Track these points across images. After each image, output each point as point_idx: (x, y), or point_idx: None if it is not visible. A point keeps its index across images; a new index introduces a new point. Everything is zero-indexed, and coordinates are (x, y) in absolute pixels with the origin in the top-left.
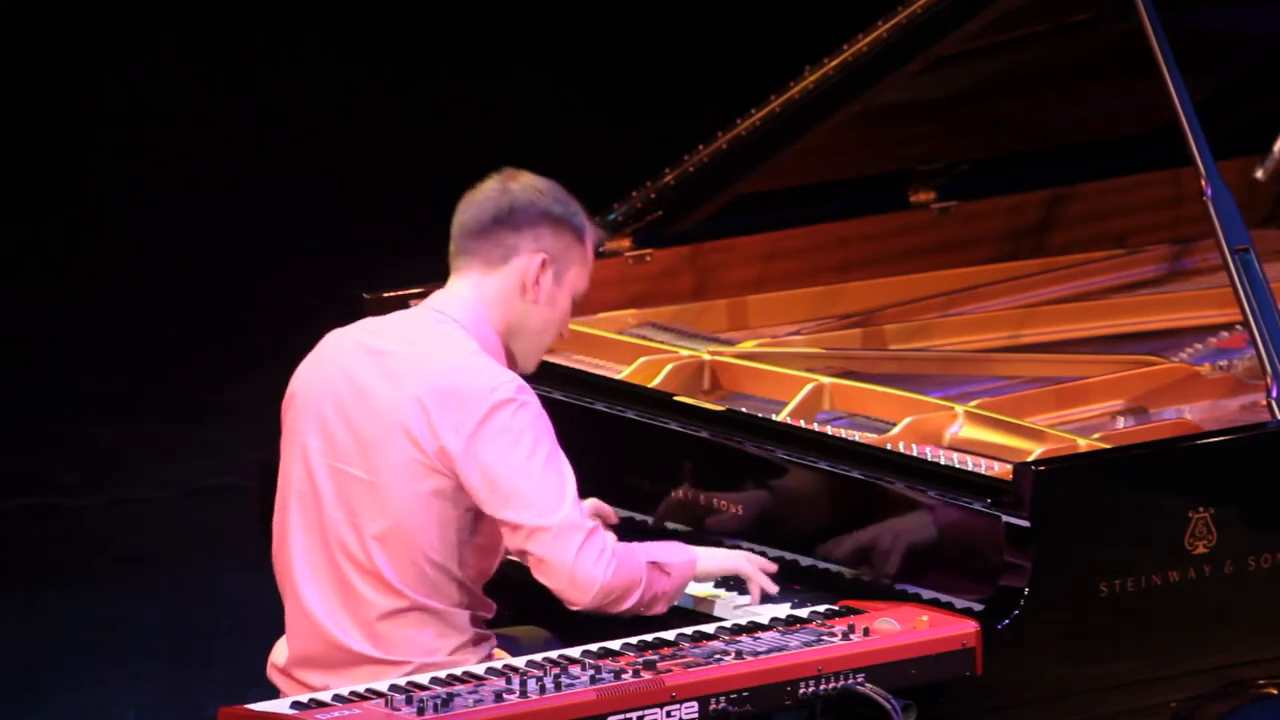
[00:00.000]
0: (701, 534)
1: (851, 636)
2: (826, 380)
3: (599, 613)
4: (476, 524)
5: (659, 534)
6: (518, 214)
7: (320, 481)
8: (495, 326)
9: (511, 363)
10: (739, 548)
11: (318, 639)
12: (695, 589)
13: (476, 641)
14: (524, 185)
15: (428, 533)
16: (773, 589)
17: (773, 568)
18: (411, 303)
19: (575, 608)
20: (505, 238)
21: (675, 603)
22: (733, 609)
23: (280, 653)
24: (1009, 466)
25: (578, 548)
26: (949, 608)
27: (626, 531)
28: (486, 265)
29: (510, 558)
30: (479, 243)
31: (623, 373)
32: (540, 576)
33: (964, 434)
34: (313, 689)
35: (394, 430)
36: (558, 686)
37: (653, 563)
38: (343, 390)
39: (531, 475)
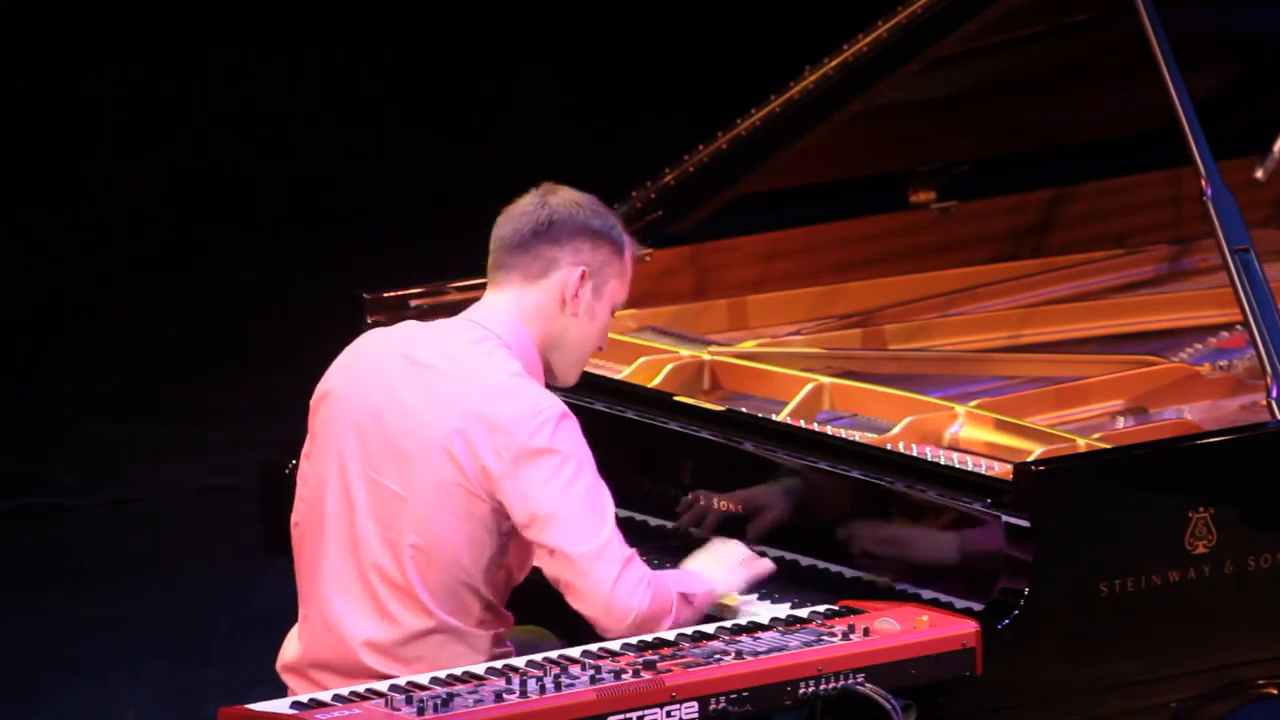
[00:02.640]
0: (702, 536)
1: (851, 636)
2: (826, 380)
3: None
4: (507, 546)
5: (658, 536)
6: (558, 227)
7: (355, 490)
8: (535, 340)
9: (550, 376)
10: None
11: (336, 649)
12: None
13: (495, 660)
14: (563, 199)
15: (460, 554)
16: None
17: (767, 564)
18: (412, 303)
19: (610, 635)
20: (545, 251)
21: None
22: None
23: (291, 650)
24: (1009, 466)
25: (615, 576)
26: (949, 608)
27: (627, 532)
28: (526, 278)
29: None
30: (518, 256)
31: (623, 373)
32: (575, 603)
33: (964, 434)
34: (325, 688)
35: (435, 451)
36: (558, 686)
37: (682, 594)
38: (382, 400)
39: (572, 501)
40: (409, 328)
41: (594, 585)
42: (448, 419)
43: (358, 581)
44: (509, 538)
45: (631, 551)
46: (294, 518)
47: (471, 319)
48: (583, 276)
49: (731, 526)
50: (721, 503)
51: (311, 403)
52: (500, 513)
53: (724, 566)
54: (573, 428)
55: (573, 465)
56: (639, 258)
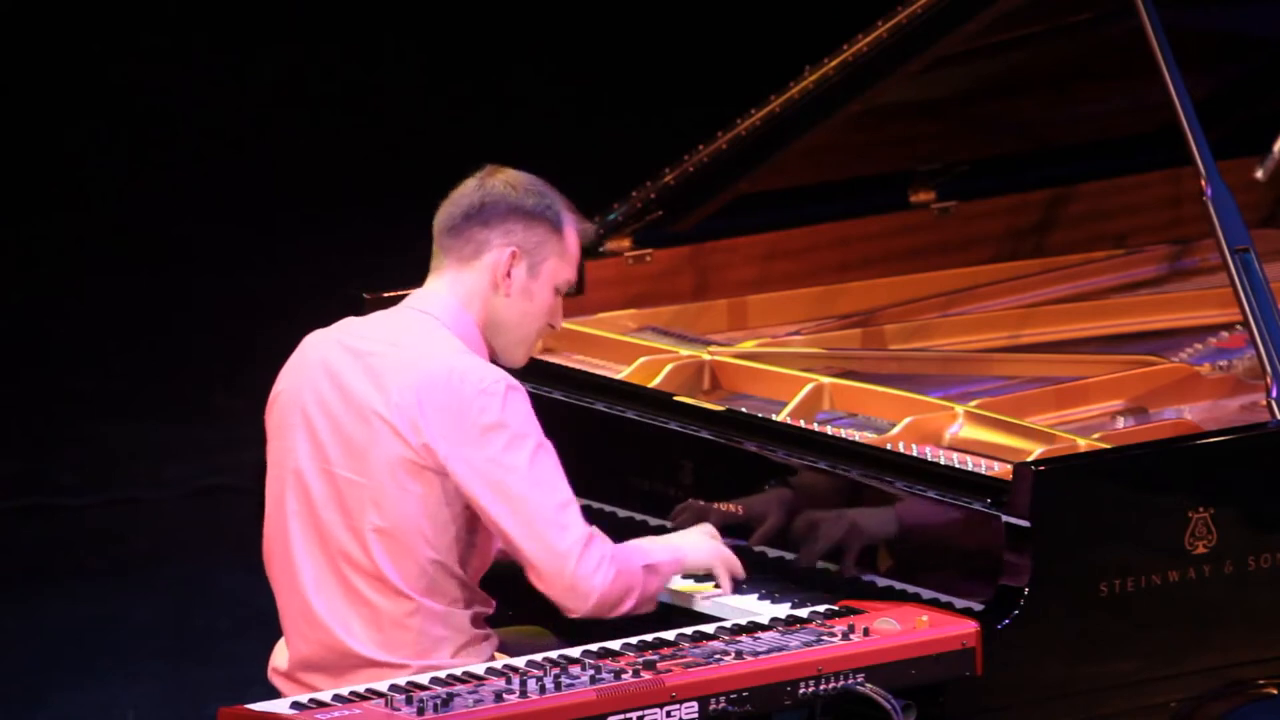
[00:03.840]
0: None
1: (851, 636)
2: (826, 380)
3: (593, 619)
4: (472, 522)
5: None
6: (488, 209)
7: (312, 485)
8: (476, 322)
9: (494, 357)
10: (736, 548)
11: (322, 644)
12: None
13: (479, 641)
14: (499, 180)
15: (424, 530)
16: (736, 577)
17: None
18: None
19: (573, 615)
20: (476, 233)
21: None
22: (714, 603)
23: (281, 656)
24: (1009, 466)
25: (578, 556)
26: (949, 608)
27: (627, 532)
28: (460, 261)
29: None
30: (452, 240)
31: (623, 373)
32: (537, 583)
33: (964, 434)
34: (317, 690)
35: (380, 429)
36: (558, 686)
37: (647, 565)
38: (326, 392)
39: (526, 478)
40: (348, 321)
41: (555, 566)
42: (391, 396)
43: (331, 575)
44: (472, 513)
45: (592, 529)
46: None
47: (410, 305)
48: (513, 256)
49: (732, 527)
50: (721, 503)
51: (265, 411)
52: (456, 488)
53: (694, 536)
54: (521, 400)
55: (523, 440)
56: (638, 257)
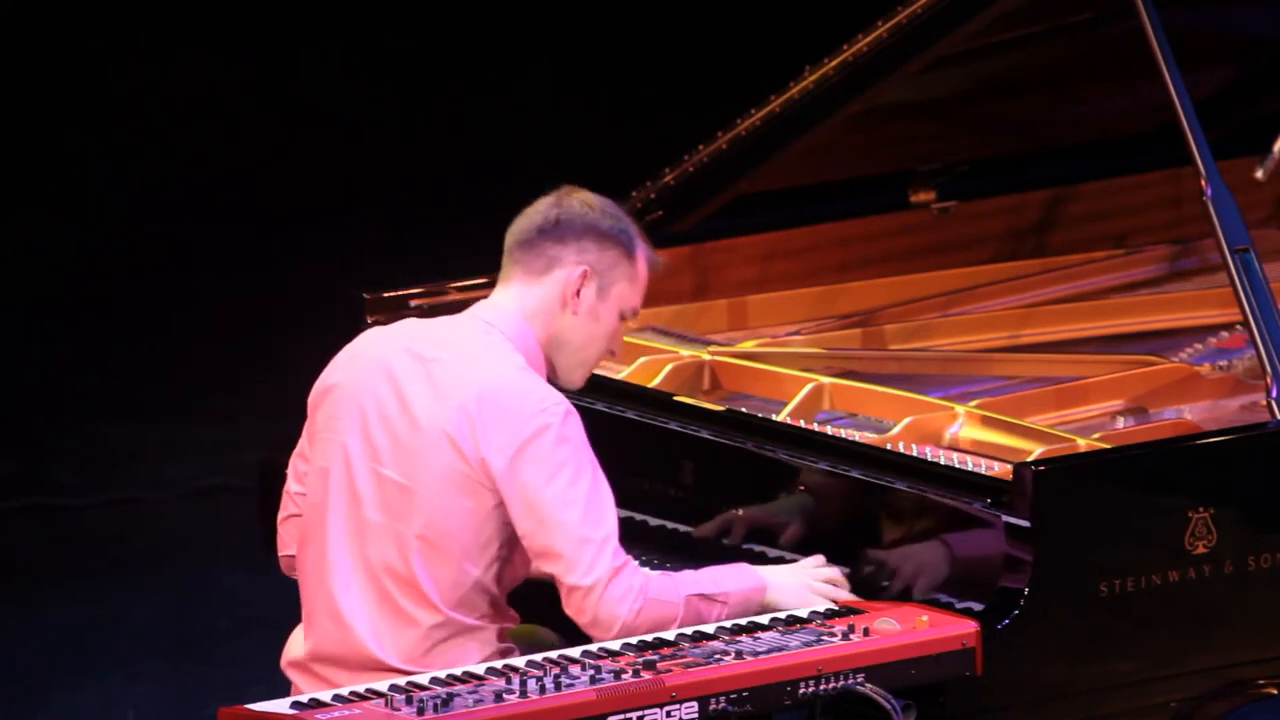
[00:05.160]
0: (708, 540)
1: (851, 636)
2: (826, 380)
3: None
4: (513, 540)
5: (658, 536)
6: (564, 226)
7: (360, 484)
8: (538, 338)
9: (553, 375)
10: (738, 549)
11: (343, 642)
12: None
13: (499, 656)
14: (576, 200)
15: (466, 546)
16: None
17: (842, 593)
18: (412, 303)
19: (602, 641)
20: (549, 249)
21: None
22: None
23: (297, 647)
24: (1009, 466)
25: (602, 590)
26: (949, 608)
27: (627, 532)
28: (529, 275)
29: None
30: (524, 253)
31: (623, 373)
32: (566, 608)
33: (964, 434)
34: (333, 684)
35: (438, 439)
36: (558, 686)
37: (700, 595)
38: (386, 394)
39: (570, 505)
40: (411, 324)
41: (580, 595)
42: (451, 408)
43: (365, 576)
44: (514, 530)
45: (624, 560)
46: (283, 512)
47: (475, 314)
48: (584, 275)
49: (732, 527)
50: (721, 503)
51: (311, 399)
52: (505, 505)
53: (787, 574)
54: (576, 425)
55: (572, 466)
56: (655, 265)
